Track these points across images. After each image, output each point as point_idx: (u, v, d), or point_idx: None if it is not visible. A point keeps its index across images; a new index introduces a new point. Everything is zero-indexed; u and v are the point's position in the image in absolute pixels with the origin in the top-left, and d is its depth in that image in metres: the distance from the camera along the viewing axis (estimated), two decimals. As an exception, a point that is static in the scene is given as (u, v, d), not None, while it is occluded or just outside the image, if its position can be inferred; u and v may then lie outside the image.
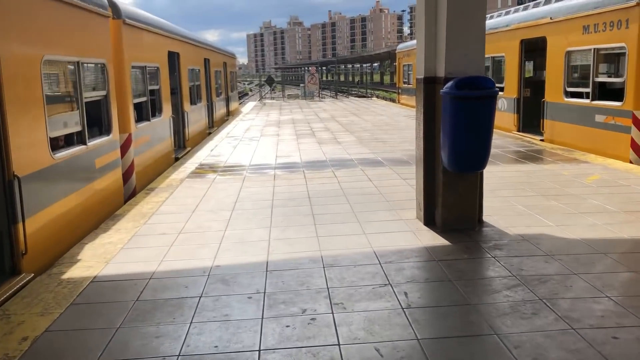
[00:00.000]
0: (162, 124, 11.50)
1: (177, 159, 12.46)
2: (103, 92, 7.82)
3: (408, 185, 8.18)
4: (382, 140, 13.86)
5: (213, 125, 19.59)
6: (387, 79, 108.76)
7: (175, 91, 13.69)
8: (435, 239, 5.68)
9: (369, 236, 5.82)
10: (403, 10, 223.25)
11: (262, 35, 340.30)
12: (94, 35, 7.51)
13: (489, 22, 16.42)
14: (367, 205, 7.14)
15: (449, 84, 5.46)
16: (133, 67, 9.54)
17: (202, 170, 10.34)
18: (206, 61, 19.03)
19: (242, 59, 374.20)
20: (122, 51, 8.99)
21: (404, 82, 28.78)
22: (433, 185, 6.06)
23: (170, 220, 6.74)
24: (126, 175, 8.96)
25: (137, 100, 9.86)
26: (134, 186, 9.18)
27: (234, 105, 27.41)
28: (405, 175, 9.07)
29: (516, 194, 7.55)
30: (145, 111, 10.47)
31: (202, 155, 12.44)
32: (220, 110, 21.51)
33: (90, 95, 7.32)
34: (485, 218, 6.27)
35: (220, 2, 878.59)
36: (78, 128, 6.82)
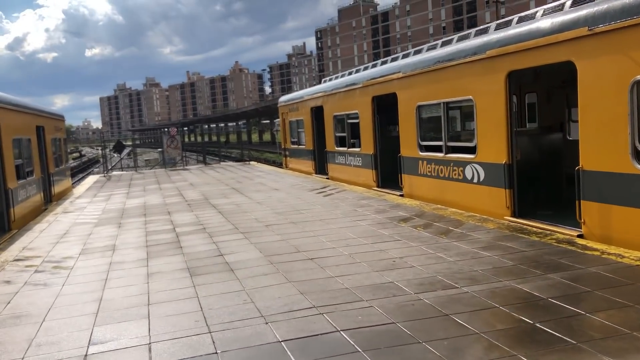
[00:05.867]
0: None
1: None
2: None
3: None
4: (321, 265, 7.44)
5: (11, 228, 11.99)
6: (255, 137, 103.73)
7: None
8: None
9: None
10: (263, 70, 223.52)
11: (116, 97, 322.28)
12: None
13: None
14: None
15: None
16: None
17: None
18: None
19: (96, 123, 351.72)
20: None
21: (293, 142, 22.95)
22: None
23: None
24: None
25: None
26: None
27: (62, 185, 19.53)
28: None
29: None
30: None
31: None
32: (27, 201, 13.83)
33: None
34: None
35: (70, 66, 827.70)
36: None
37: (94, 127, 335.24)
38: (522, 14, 10.15)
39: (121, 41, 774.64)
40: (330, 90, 17.89)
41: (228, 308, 5.53)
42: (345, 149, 16.78)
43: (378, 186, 14.57)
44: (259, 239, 8.87)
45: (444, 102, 11.13)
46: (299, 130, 21.75)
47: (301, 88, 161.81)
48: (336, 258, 7.29)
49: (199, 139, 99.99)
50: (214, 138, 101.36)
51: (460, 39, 11.64)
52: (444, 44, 12.35)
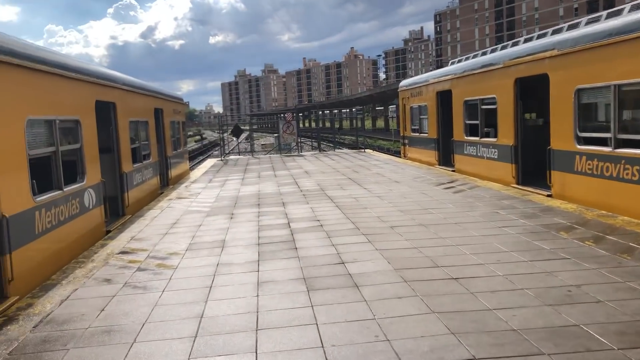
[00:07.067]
0: None
1: None
2: None
3: None
4: (470, 288, 5.95)
5: (125, 213, 11.68)
6: (368, 123, 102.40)
7: None
8: None
9: None
10: (378, 56, 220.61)
11: (236, 83, 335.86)
12: None
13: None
14: None
15: None
16: None
17: None
18: (111, 107, 11.33)
19: (218, 108, 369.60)
20: None
21: (413, 130, 21.28)
22: None
23: None
24: None
25: None
26: None
27: (179, 168, 19.49)
28: None
29: None
30: None
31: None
32: (143, 185, 13.55)
33: None
34: None
35: (195, 53, 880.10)
36: None
37: (216, 111, 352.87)
38: None
39: (242, 28, 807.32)
40: (460, 72, 16.02)
41: (356, 347, 4.24)
42: (477, 138, 14.89)
43: (517, 183, 12.61)
44: (384, 245, 7.51)
45: (614, 85, 9.00)
46: (421, 116, 20.04)
47: (416, 74, 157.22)
48: (488, 280, 5.74)
49: (313, 124, 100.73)
50: (327, 124, 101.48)
51: (635, 8, 9.45)
52: (610, 15, 10.17)
